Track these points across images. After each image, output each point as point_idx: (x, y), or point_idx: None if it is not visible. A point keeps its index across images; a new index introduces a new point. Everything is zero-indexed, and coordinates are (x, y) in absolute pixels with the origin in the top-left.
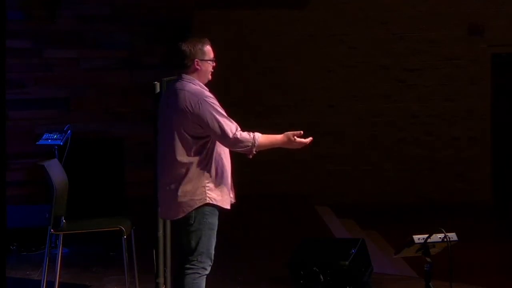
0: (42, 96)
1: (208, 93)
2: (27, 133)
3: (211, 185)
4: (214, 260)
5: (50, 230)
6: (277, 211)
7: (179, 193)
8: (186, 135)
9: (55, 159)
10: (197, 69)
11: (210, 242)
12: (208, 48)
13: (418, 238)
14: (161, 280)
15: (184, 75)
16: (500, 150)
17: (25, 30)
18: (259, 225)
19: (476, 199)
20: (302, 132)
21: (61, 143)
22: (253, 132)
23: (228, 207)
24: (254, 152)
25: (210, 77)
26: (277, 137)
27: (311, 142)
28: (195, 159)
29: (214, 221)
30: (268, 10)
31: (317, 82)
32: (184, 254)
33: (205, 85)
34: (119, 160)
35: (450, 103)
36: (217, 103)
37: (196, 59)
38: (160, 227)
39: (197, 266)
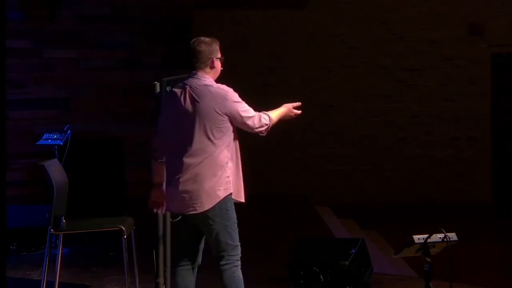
0: (42, 96)
1: (228, 87)
2: (27, 133)
3: (231, 178)
4: (214, 260)
5: (50, 230)
6: (277, 211)
7: (205, 185)
8: (212, 128)
9: (55, 159)
10: (214, 67)
11: (236, 234)
12: (219, 47)
13: (418, 238)
14: (161, 280)
15: (200, 73)
16: (500, 150)
17: (25, 30)
18: (259, 225)
19: (476, 199)
20: (300, 103)
21: (61, 143)
22: (264, 112)
23: (243, 200)
24: (263, 131)
25: (219, 74)
26: (281, 111)
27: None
28: (219, 152)
29: (234, 214)
30: (268, 10)
31: (317, 82)
32: (215, 251)
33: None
34: (119, 160)
35: (450, 103)
36: (237, 95)
37: (213, 58)
38: (160, 227)
39: (232, 259)
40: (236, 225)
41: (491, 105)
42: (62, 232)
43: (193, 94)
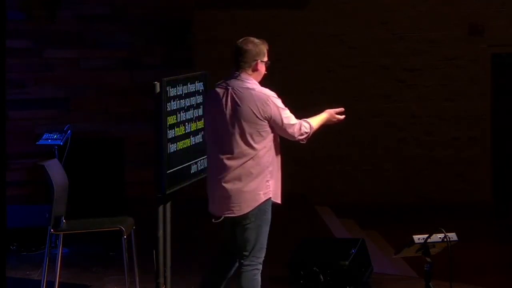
0: (42, 96)
1: (271, 91)
2: (27, 133)
3: (271, 180)
4: (213, 260)
5: (50, 230)
6: (277, 211)
7: (245, 189)
8: (251, 133)
9: (55, 159)
10: (257, 69)
11: (266, 238)
12: (266, 50)
13: (418, 238)
14: (161, 280)
15: (242, 75)
16: (500, 150)
17: (25, 30)
18: None
19: (476, 199)
20: (343, 109)
21: (61, 143)
22: (304, 120)
23: (279, 201)
24: (303, 139)
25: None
26: (322, 117)
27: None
28: (259, 155)
29: (269, 216)
30: (268, 10)
31: (317, 82)
32: (240, 250)
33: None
34: (119, 160)
35: (450, 103)
36: (280, 101)
37: (259, 60)
38: (160, 227)
39: (255, 262)
40: (267, 227)
41: (491, 105)
42: (62, 232)
43: (235, 97)
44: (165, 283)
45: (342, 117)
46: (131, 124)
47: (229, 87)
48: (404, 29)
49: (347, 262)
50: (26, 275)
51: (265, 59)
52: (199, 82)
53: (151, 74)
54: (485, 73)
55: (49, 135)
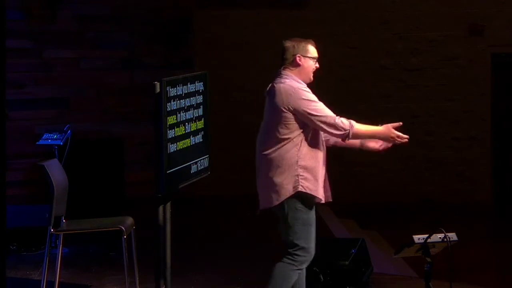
0: (42, 96)
1: (301, 85)
2: (27, 133)
3: (305, 174)
4: (214, 260)
5: (50, 230)
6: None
7: (274, 181)
8: (278, 124)
9: (55, 159)
10: (299, 64)
11: (308, 237)
12: (312, 48)
13: (418, 238)
14: (161, 280)
15: (283, 72)
16: (500, 150)
17: (25, 30)
18: (259, 225)
19: (476, 199)
20: (401, 123)
21: (61, 143)
22: (347, 119)
23: (321, 197)
24: (350, 138)
25: (311, 77)
26: (376, 128)
27: (407, 140)
28: (286, 150)
29: (308, 216)
30: (268, 10)
31: (317, 82)
32: (285, 244)
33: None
34: (119, 160)
35: (450, 103)
36: (311, 93)
37: (298, 55)
38: (160, 227)
39: (295, 259)
40: (309, 228)
41: (491, 105)
42: (62, 232)
43: (270, 91)
44: (165, 283)
45: (404, 139)
46: (131, 124)
47: (271, 83)
48: (404, 29)
49: (347, 262)
50: (26, 275)
51: (308, 54)
52: (199, 82)
53: (151, 74)
54: (485, 73)
55: (49, 135)
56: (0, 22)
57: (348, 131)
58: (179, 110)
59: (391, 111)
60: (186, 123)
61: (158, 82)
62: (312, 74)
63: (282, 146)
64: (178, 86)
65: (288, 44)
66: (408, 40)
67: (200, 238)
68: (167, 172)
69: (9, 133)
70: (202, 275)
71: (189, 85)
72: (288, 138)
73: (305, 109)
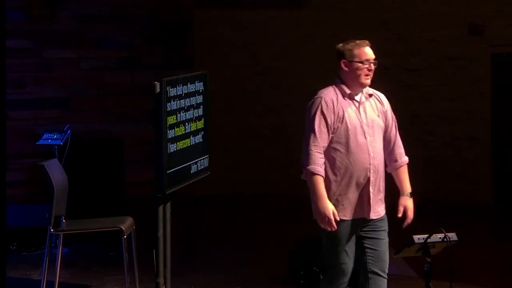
0: (42, 96)
1: (321, 101)
2: (27, 133)
3: (334, 193)
4: (214, 260)
5: (50, 230)
6: (276, 211)
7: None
8: None
9: (55, 159)
10: (344, 70)
11: (339, 256)
12: (360, 50)
13: (418, 238)
14: (161, 280)
15: (338, 78)
16: (500, 150)
17: (25, 30)
18: (259, 225)
19: (476, 199)
20: (338, 219)
21: (61, 143)
22: (321, 166)
23: (346, 218)
24: (302, 177)
25: (363, 80)
26: (321, 195)
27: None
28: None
29: (339, 235)
30: (268, 10)
31: (317, 82)
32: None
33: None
34: (119, 160)
35: (450, 103)
36: (319, 114)
37: (343, 60)
38: (160, 227)
39: (328, 278)
40: (339, 247)
41: (491, 105)
42: (62, 232)
43: None
44: (165, 283)
45: (331, 226)
46: (131, 124)
47: None
48: (404, 29)
49: None
50: (26, 275)
51: (355, 59)
52: (199, 82)
53: (151, 74)
54: (485, 73)
55: (49, 135)
56: (0, 22)
57: (304, 168)
58: (179, 110)
59: None
60: (186, 123)
61: (158, 82)
62: (364, 78)
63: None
64: (178, 86)
65: (338, 47)
66: (408, 40)
67: (200, 238)
68: (167, 172)
69: (9, 133)
70: (202, 275)
71: (189, 85)
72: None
73: (306, 127)
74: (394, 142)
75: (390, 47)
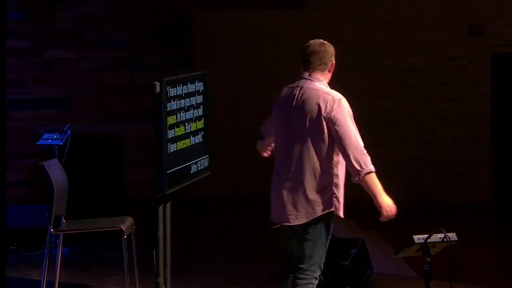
0: (42, 96)
1: (346, 102)
2: (27, 133)
3: (337, 192)
4: (214, 260)
5: (50, 230)
6: None
7: (308, 198)
8: (316, 135)
9: (55, 159)
10: (330, 70)
11: (324, 252)
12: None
13: (418, 238)
14: (161, 280)
15: (316, 75)
16: (500, 150)
17: (25, 30)
18: (259, 225)
19: (476, 199)
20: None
21: (61, 143)
22: (367, 159)
23: (342, 215)
24: (360, 179)
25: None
26: (382, 190)
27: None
28: (324, 163)
29: (331, 231)
30: (267, 10)
31: None
32: (296, 261)
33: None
34: (119, 160)
35: (450, 103)
36: (351, 114)
37: (332, 61)
38: (160, 227)
39: (310, 276)
40: (327, 243)
41: (491, 105)
42: (62, 232)
43: (296, 98)
44: (165, 283)
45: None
46: (131, 124)
47: (304, 87)
48: (404, 29)
49: (347, 262)
50: (26, 275)
51: (334, 60)
52: (199, 82)
53: (151, 74)
54: (485, 73)
55: (49, 135)
56: (0, 22)
57: (364, 170)
58: (179, 110)
59: (391, 111)
60: (186, 123)
61: (158, 82)
62: None
63: (322, 157)
64: (178, 86)
65: (328, 48)
66: (408, 40)
67: (200, 238)
68: (167, 172)
69: (9, 133)
70: (202, 275)
71: (189, 85)
72: (329, 148)
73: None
74: None
75: (390, 47)
